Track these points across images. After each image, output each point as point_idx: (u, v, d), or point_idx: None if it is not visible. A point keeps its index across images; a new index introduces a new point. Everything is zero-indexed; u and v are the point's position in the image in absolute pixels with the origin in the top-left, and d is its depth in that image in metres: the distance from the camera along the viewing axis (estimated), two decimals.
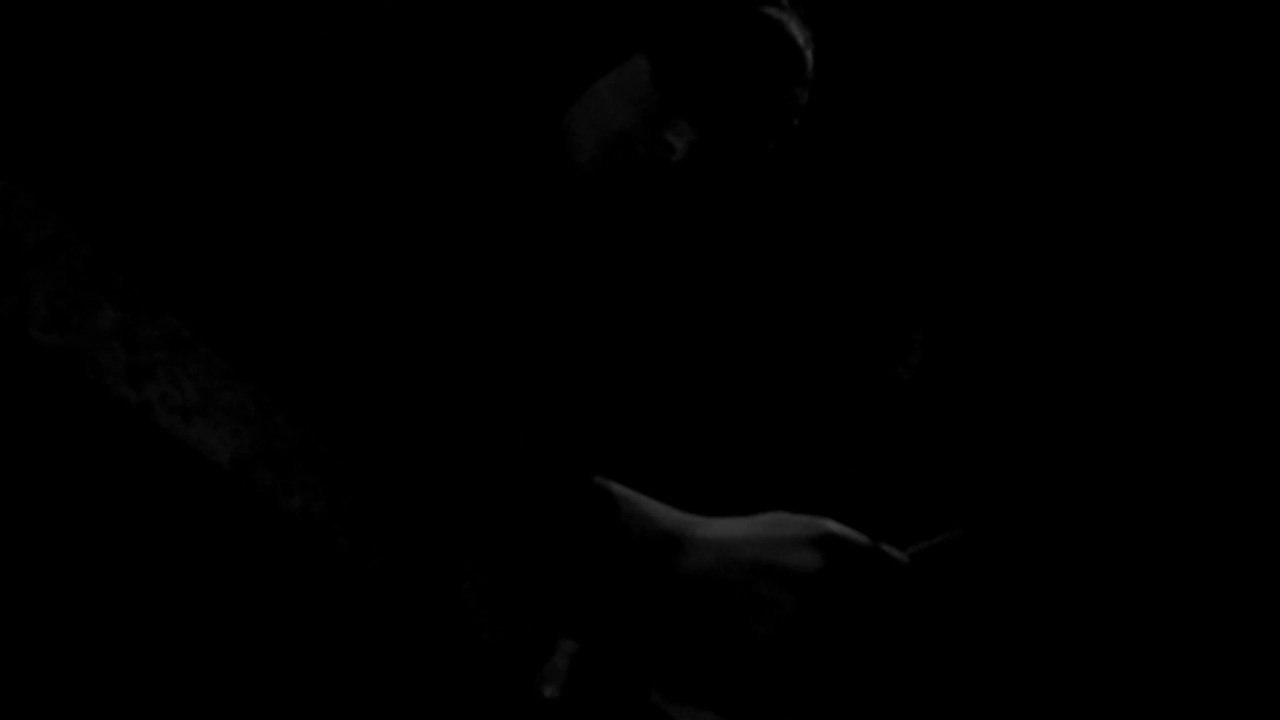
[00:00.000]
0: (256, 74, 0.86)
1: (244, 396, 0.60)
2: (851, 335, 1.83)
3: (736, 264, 1.69)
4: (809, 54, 1.03)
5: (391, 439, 0.78)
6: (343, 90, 0.91)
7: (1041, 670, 1.82)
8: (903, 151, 1.91)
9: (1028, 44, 1.90)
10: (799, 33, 1.02)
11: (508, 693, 0.77)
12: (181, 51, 0.83)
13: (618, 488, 0.86)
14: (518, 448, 0.85)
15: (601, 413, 1.09)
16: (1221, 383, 1.91)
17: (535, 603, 0.79)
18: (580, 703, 0.78)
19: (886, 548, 0.83)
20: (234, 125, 0.84)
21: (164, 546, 0.65)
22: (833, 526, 0.83)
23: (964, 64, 1.90)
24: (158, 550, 0.65)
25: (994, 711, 1.79)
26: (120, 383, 0.55)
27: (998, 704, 1.80)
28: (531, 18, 1.02)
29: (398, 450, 0.77)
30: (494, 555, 0.78)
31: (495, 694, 0.77)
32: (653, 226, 1.06)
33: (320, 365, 0.78)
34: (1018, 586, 1.83)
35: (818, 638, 0.80)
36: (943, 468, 1.84)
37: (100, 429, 0.57)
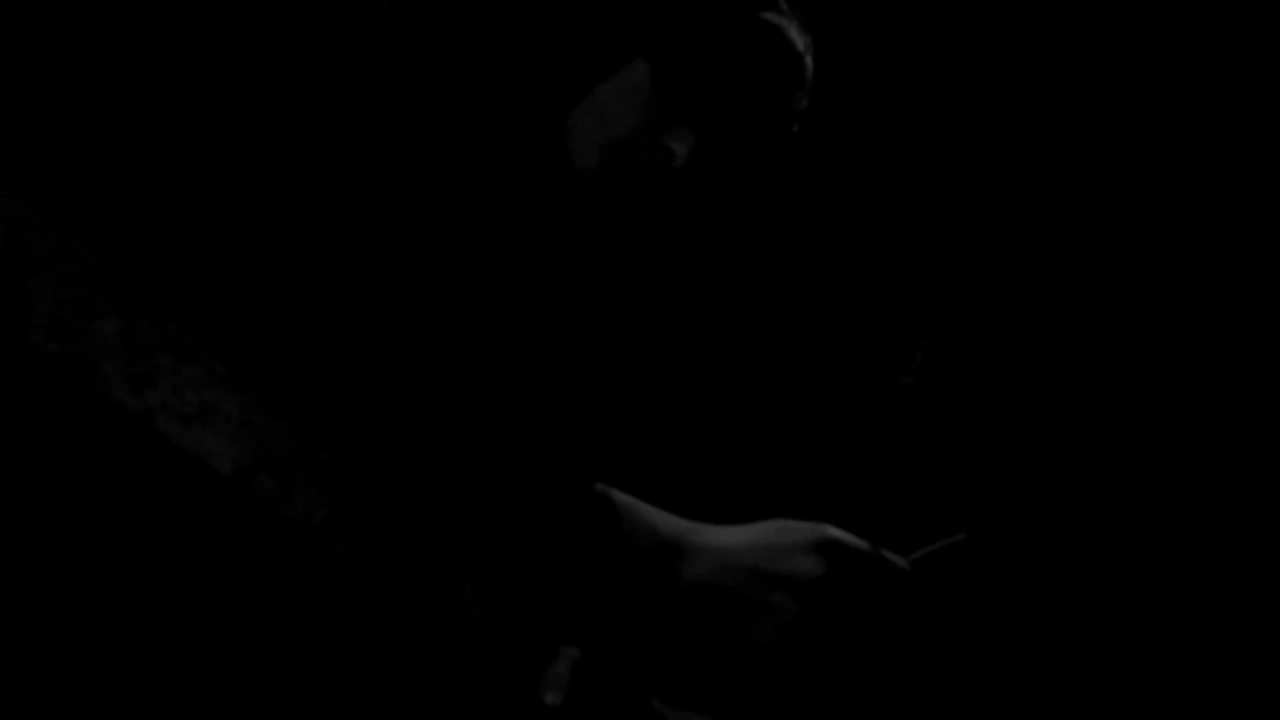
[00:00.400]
0: (259, 82, 0.86)
1: (245, 404, 0.60)
2: (852, 341, 1.83)
3: (737, 270, 1.69)
4: (808, 59, 1.04)
5: (393, 446, 0.78)
6: (346, 98, 0.91)
7: (1042, 676, 1.82)
8: (903, 157, 1.91)
9: (1026, 50, 1.90)
10: (798, 38, 1.02)
11: (510, 699, 0.77)
12: (184, 60, 0.83)
13: (620, 495, 0.86)
14: (520, 455, 0.85)
15: (603, 420, 1.09)
16: (1223, 388, 1.91)
17: (537, 609, 0.79)
18: (582, 709, 0.79)
19: (888, 554, 0.83)
20: (236, 134, 0.84)
21: (166, 553, 0.65)
22: (834, 532, 0.83)
23: (963, 70, 1.90)
24: (160, 556, 0.65)
25: (995, 717, 1.79)
26: (122, 390, 0.55)
27: (998, 709, 1.79)
28: (533, 23, 1.02)
29: (399, 457, 0.77)
30: (496, 562, 0.79)
31: (497, 700, 0.77)
32: (654, 232, 1.06)
33: (322, 372, 0.78)
34: (1019, 592, 1.83)
35: (819, 643, 0.80)
36: (944, 474, 1.84)
37: (102, 436, 0.57)
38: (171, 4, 0.83)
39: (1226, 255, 1.93)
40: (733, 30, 1.00)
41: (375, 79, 0.94)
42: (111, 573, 0.65)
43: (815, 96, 1.07)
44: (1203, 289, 1.94)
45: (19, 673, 0.63)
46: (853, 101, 1.85)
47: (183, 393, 0.57)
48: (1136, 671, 1.85)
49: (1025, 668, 1.82)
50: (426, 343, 0.87)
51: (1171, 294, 1.94)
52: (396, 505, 0.69)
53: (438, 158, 0.97)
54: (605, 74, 1.02)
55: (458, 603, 0.72)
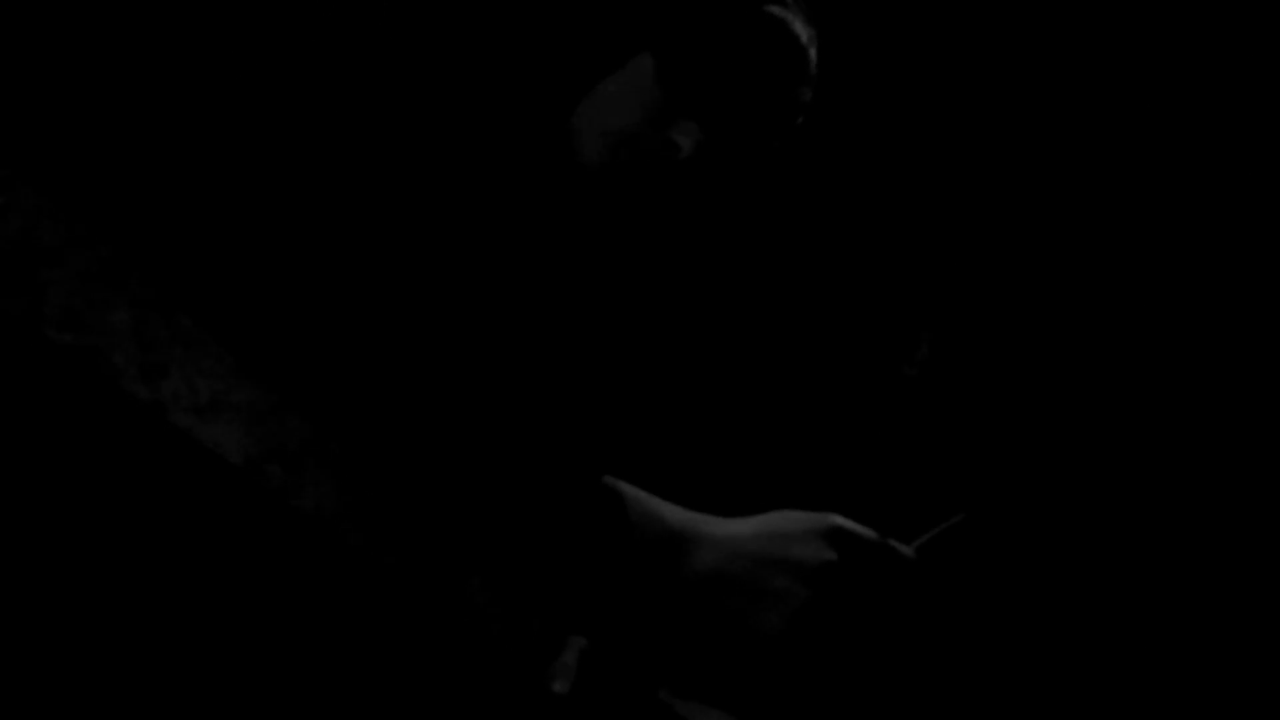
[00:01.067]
0: (268, 74, 0.86)
1: (256, 395, 0.61)
2: (857, 333, 1.83)
3: (742, 262, 1.69)
4: (812, 52, 1.04)
5: (402, 437, 0.78)
6: (353, 91, 0.92)
7: (1047, 662, 1.82)
8: (908, 149, 1.91)
9: (1032, 42, 1.90)
10: (802, 31, 1.02)
11: (517, 689, 0.77)
12: (192, 51, 0.84)
13: (627, 487, 0.86)
14: (528, 447, 0.85)
15: (610, 412, 1.09)
16: (1223, 376, 1.91)
17: (544, 600, 0.80)
18: (589, 699, 0.79)
19: (893, 542, 0.83)
20: (244, 125, 0.84)
21: (177, 544, 0.65)
22: (839, 520, 0.83)
23: (968, 61, 1.90)
24: (171, 547, 0.65)
25: (1001, 705, 1.79)
26: (134, 381, 0.55)
27: (1005, 698, 1.80)
28: (537, 18, 1.02)
29: (408, 448, 0.78)
30: (504, 553, 0.79)
31: (505, 690, 0.77)
32: (659, 225, 1.07)
33: (331, 364, 0.78)
34: (1023, 578, 1.83)
35: (827, 629, 0.80)
36: (949, 466, 1.84)
37: (114, 427, 0.58)
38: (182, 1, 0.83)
39: (1226, 249, 1.93)
40: (737, 23, 1.00)
41: (383, 73, 0.94)
42: (122, 562, 0.65)
43: (820, 89, 1.07)
44: (1203, 282, 1.94)
45: (23, 664, 0.64)
46: (858, 94, 1.85)
47: (194, 384, 0.58)
48: (1139, 658, 1.85)
49: (1030, 654, 1.83)
50: (436, 336, 0.87)
51: (1173, 287, 1.94)
52: (407, 496, 0.69)
53: (444, 152, 0.97)
54: (610, 68, 1.02)
55: (467, 593, 0.73)
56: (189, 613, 0.67)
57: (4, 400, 0.57)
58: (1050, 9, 1.90)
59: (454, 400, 0.84)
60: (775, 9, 1.01)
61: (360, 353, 0.81)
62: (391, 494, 0.68)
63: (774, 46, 1.01)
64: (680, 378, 1.31)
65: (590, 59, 1.02)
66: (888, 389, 1.82)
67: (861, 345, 1.83)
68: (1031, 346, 1.94)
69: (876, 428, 1.81)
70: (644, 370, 1.17)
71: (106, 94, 0.80)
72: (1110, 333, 1.95)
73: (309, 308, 0.81)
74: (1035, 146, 1.95)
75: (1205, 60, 1.88)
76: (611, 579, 0.82)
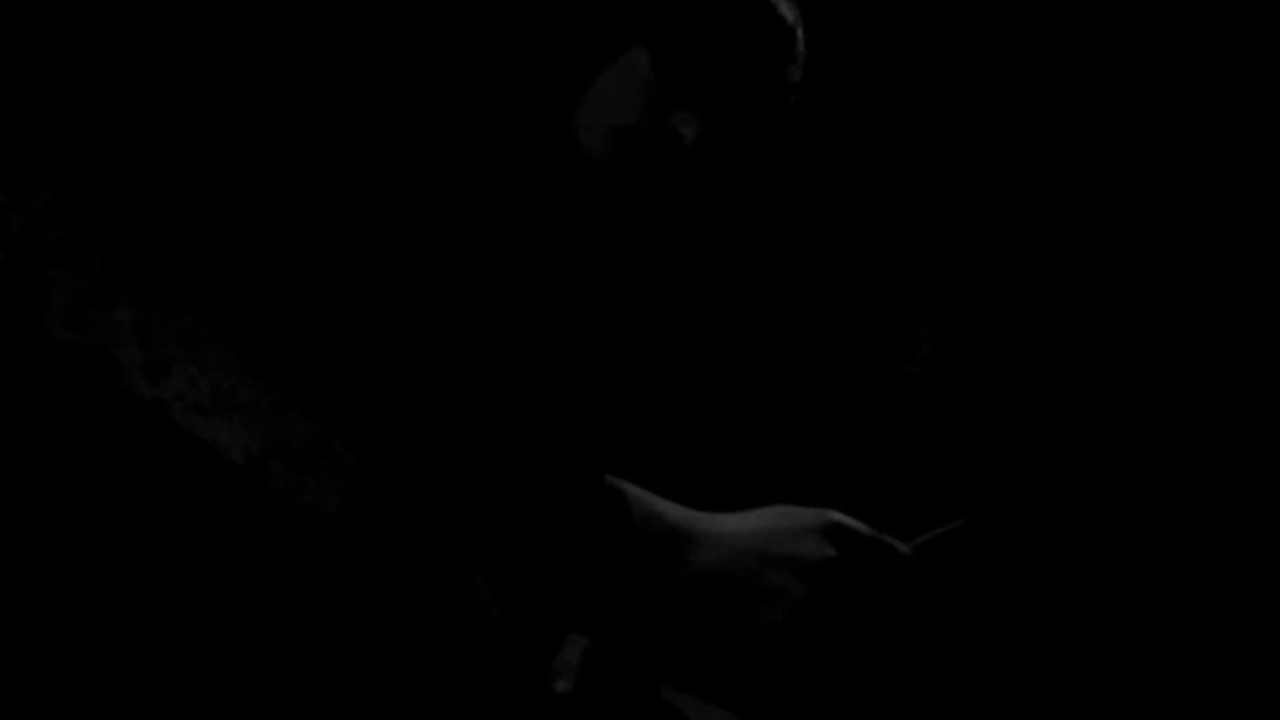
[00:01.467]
0: (271, 71, 0.86)
1: (258, 393, 0.61)
2: (858, 331, 1.83)
3: (743, 259, 1.69)
4: (800, 32, 1.04)
5: (405, 435, 0.78)
6: (354, 90, 0.92)
7: (1041, 663, 1.83)
8: (910, 145, 1.91)
9: (1035, 30, 1.90)
10: (789, 11, 1.03)
11: (520, 687, 0.78)
12: (195, 47, 0.84)
13: (629, 486, 0.86)
14: (531, 446, 0.86)
15: (613, 411, 1.09)
16: (1223, 375, 1.91)
17: (547, 598, 0.80)
18: (592, 697, 0.79)
19: (891, 540, 0.84)
20: (247, 123, 0.84)
21: (180, 541, 0.65)
22: (839, 517, 0.84)
23: (971, 51, 1.90)
24: (173, 545, 0.65)
25: (999, 704, 1.79)
26: (137, 379, 0.55)
27: (1002, 696, 1.80)
28: (531, 16, 1.02)
29: (411, 447, 0.78)
30: (506, 551, 0.79)
31: (507, 688, 0.78)
32: (666, 220, 1.07)
33: (334, 362, 0.78)
34: (1020, 580, 1.83)
35: (828, 625, 0.81)
36: (950, 464, 1.85)
37: (117, 425, 0.58)
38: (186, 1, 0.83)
39: (1226, 247, 1.93)
40: (724, 7, 1.00)
41: (383, 73, 0.95)
42: (124, 560, 0.65)
43: (820, 86, 1.07)
44: (1204, 281, 1.94)
45: (25, 663, 0.64)
46: (858, 88, 1.84)
47: (196, 382, 0.58)
48: (1135, 663, 1.85)
49: (1025, 655, 1.83)
50: (439, 333, 0.87)
51: (1174, 286, 1.94)
52: (409, 494, 0.69)
53: (449, 153, 0.97)
54: (606, 63, 1.02)
55: (469, 591, 0.73)
56: (191, 610, 0.68)
57: (7, 398, 0.57)
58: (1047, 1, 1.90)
59: (457, 398, 0.85)
60: None
61: (363, 350, 0.81)
62: (394, 491, 0.68)
63: (760, 27, 1.01)
64: (682, 376, 1.31)
65: (586, 55, 1.02)
66: (889, 387, 1.82)
67: (863, 342, 1.83)
68: (1034, 345, 1.94)
69: (877, 426, 1.81)
70: (647, 368, 1.17)
71: (109, 90, 0.80)
72: (1114, 332, 1.95)
73: (312, 306, 0.81)
74: (1039, 140, 1.95)
75: (1205, 60, 1.88)
76: (614, 577, 0.82)
